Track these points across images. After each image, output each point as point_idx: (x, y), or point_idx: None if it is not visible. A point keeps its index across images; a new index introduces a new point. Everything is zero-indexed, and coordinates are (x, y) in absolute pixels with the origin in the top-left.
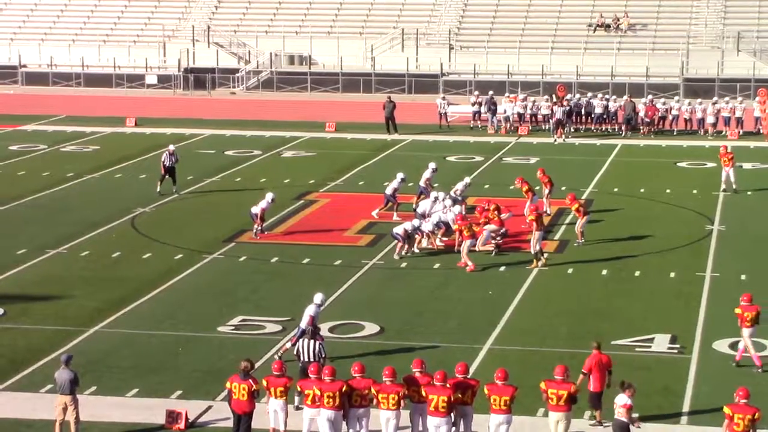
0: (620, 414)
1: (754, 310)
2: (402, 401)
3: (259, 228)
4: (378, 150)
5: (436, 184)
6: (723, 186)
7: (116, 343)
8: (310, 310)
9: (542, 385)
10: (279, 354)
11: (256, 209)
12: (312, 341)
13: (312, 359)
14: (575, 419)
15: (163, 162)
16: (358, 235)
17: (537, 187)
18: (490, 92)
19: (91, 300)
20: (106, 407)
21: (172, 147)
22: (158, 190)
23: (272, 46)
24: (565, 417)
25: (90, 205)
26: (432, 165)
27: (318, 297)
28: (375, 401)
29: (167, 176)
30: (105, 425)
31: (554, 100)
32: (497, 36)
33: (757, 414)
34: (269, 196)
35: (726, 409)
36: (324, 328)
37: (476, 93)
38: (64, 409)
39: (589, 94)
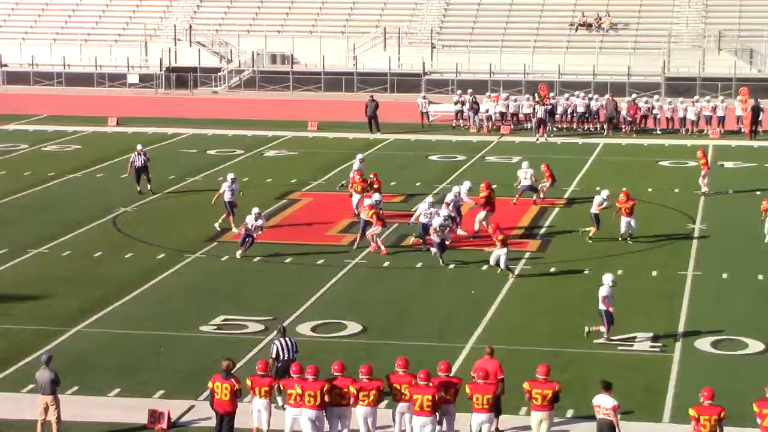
0: (607, 415)
1: None
2: (382, 396)
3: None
4: (360, 149)
5: (417, 183)
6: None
7: (98, 342)
8: (603, 291)
9: (526, 385)
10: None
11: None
12: (287, 339)
13: (291, 356)
14: (559, 418)
15: (132, 162)
16: (341, 234)
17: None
18: (470, 90)
19: (73, 300)
20: (88, 407)
21: (139, 146)
22: (138, 189)
23: (254, 45)
24: (548, 416)
25: (71, 205)
26: (525, 164)
27: (607, 277)
28: (353, 399)
29: (141, 176)
30: (87, 425)
31: (536, 99)
32: (479, 35)
33: (722, 413)
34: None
35: (691, 411)
36: (306, 328)
37: (459, 92)
38: (46, 409)
39: (576, 93)
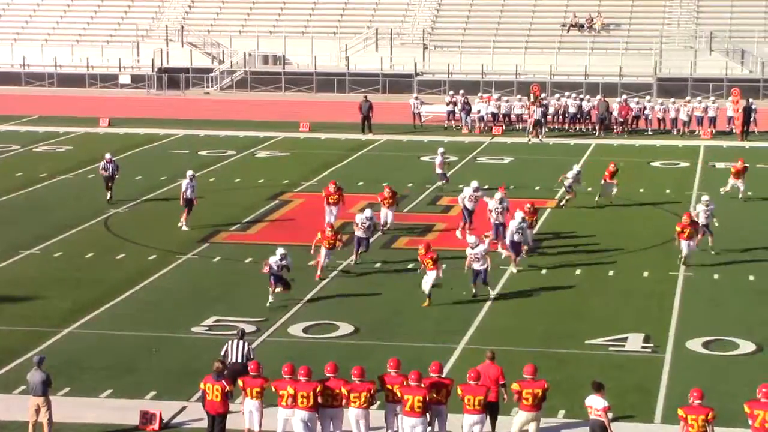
0: (598, 415)
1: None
2: (373, 398)
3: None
4: (352, 150)
5: (409, 184)
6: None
7: (90, 343)
8: None
9: (515, 386)
10: None
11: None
12: (240, 341)
13: (240, 360)
14: (551, 418)
15: (104, 169)
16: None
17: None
18: (461, 91)
19: (65, 301)
20: (80, 408)
21: (108, 155)
22: (108, 198)
23: (246, 45)
24: (536, 417)
25: (63, 206)
26: (576, 167)
27: None
28: (345, 401)
29: (109, 184)
30: (79, 426)
31: (532, 99)
32: (471, 36)
33: (710, 414)
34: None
35: (680, 411)
36: (298, 329)
37: (451, 93)
38: (37, 411)
39: (566, 94)
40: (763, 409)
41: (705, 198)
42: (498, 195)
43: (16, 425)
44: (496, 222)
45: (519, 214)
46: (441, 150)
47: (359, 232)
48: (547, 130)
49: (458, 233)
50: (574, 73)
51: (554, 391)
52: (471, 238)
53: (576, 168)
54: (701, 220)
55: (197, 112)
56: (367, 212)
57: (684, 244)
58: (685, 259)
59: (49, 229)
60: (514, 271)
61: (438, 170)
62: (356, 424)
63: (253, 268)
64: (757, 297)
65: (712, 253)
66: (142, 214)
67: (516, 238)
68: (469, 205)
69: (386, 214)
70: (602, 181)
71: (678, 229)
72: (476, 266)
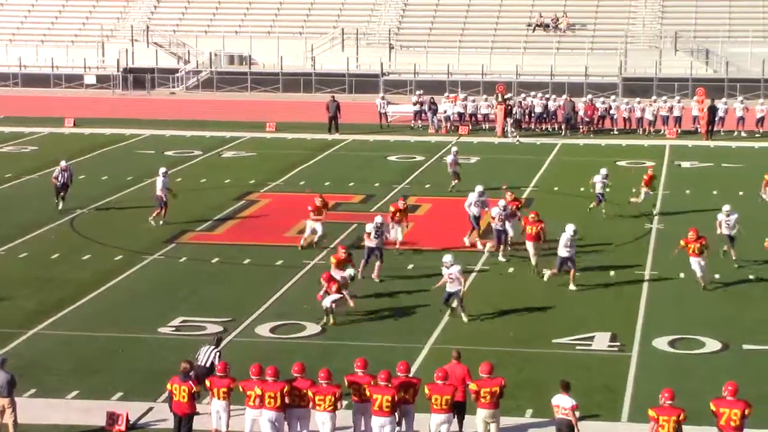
0: (565, 414)
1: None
2: (338, 402)
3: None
4: (319, 150)
5: (376, 184)
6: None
7: (56, 344)
8: None
9: (473, 386)
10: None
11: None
12: (212, 348)
13: (204, 364)
14: (518, 418)
15: (56, 177)
16: (299, 235)
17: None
18: (421, 91)
19: (30, 302)
20: (46, 409)
21: (63, 163)
22: (59, 208)
23: (212, 45)
24: (495, 414)
25: (28, 207)
26: (603, 171)
27: None
28: (312, 403)
29: (61, 193)
30: (44, 428)
31: (499, 99)
32: (437, 36)
33: (682, 415)
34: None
35: (651, 412)
36: (265, 329)
37: (418, 93)
38: (2, 412)
39: (532, 93)
40: (729, 407)
41: (726, 207)
42: (502, 202)
43: None
44: (498, 228)
45: (570, 227)
46: (454, 149)
47: (370, 242)
48: (511, 129)
49: (466, 240)
50: (540, 73)
51: (521, 391)
52: (447, 257)
53: (603, 171)
54: (723, 231)
55: (163, 112)
56: (378, 219)
57: (694, 262)
58: (703, 281)
59: (15, 229)
60: (573, 288)
61: (450, 169)
62: (321, 425)
63: (220, 268)
64: (722, 295)
65: (735, 266)
66: (108, 215)
67: (566, 253)
68: (476, 211)
69: (396, 231)
70: (642, 188)
71: (682, 243)
72: (450, 288)
